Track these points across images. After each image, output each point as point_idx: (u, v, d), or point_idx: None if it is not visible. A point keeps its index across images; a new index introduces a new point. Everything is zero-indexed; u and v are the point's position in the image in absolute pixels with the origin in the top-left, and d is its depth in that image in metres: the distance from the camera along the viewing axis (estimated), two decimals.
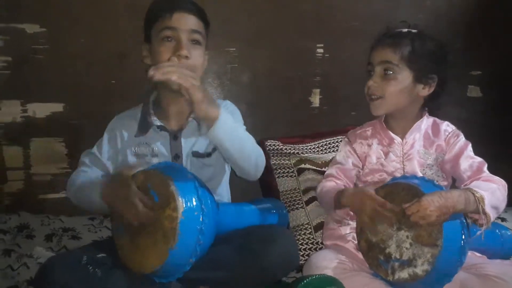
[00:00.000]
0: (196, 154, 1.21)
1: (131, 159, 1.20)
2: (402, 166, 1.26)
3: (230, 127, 1.06)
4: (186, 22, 1.14)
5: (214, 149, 1.22)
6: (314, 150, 1.62)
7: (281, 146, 1.60)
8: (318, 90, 1.80)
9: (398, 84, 1.20)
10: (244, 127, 1.24)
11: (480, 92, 1.93)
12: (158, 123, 1.20)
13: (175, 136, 1.21)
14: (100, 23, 1.57)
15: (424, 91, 1.22)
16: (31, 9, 1.52)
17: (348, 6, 1.77)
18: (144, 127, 1.21)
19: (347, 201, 1.18)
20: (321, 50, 1.78)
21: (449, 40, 1.30)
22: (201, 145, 1.22)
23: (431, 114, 1.31)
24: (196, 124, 1.21)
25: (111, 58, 1.60)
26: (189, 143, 1.21)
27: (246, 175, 1.17)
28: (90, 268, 0.98)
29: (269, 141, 1.61)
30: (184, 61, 1.12)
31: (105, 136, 1.24)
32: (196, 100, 1.00)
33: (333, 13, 1.77)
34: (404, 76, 1.20)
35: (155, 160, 1.19)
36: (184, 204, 0.97)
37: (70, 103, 1.60)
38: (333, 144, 1.64)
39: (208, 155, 1.22)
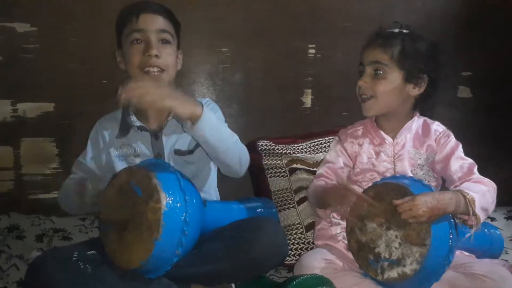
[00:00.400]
0: (178, 152, 1.23)
1: (116, 160, 1.22)
2: (393, 166, 1.26)
3: (214, 123, 1.07)
4: (153, 23, 1.17)
5: (197, 146, 1.23)
6: (306, 150, 1.63)
7: (273, 146, 1.60)
8: (310, 91, 1.80)
9: (388, 84, 1.21)
10: (226, 124, 1.25)
11: (470, 93, 1.95)
12: (138, 123, 1.22)
13: (156, 136, 1.22)
14: (92, 22, 1.56)
15: (415, 91, 1.23)
16: (21, 7, 1.51)
17: (340, 6, 1.78)
18: (124, 128, 1.23)
19: (331, 200, 1.18)
20: (313, 51, 1.78)
21: (440, 41, 1.31)
22: (183, 142, 1.24)
23: (424, 114, 1.32)
24: (176, 122, 1.22)
25: (103, 57, 1.58)
26: (171, 142, 1.23)
27: (230, 172, 1.19)
28: (81, 264, 0.99)
29: (261, 141, 1.61)
30: (155, 61, 1.15)
31: (89, 141, 1.27)
32: (172, 108, 1.01)
33: (326, 13, 1.77)
34: (394, 76, 1.21)
35: (137, 160, 1.21)
36: (166, 195, 0.98)
37: (61, 102, 1.59)
38: (324, 144, 1.64)
39: (190, 152, 1.24)
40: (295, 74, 1.79)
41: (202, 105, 1.05)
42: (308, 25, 1.76)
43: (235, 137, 1.17)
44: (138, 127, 1.22)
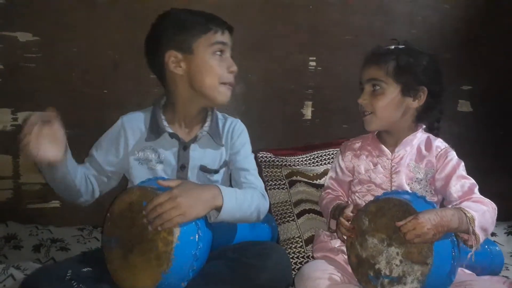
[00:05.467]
0: (203, 169, 1.21)
1: (133, 163, 1.19)
2: (389, 179, 1.26)
3: (234, 208, 1.08)
4: (230, 40, 1.21)
5: (222, 166, 1.23)
6: (305, 162, 1.63)
7: (273, 158, 1.60)
8: (310, 103, 1.81)
9: (386, 99, 1.23)
10: (250, 147, 1.28)
11: (470, 107, 1.95)
12: (170, 130, 1.19)
13: (185, 146, 1.19)
14: (93, 32, 1.57)
15: (414, 103, 1.25)
16: (24, 17, 1.52)
17: (341, 19, 1.79)
18: (156, 132, 1.19)
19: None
20: (313, 63, 1.79)
21: (440, 55, 1.32)
22: (210, 159, 1.22)
23: (431, 129, 1.32)
24: (209, 137, 1.22)
25: (104, 67, 1.59)
26: (197, 155, 1.20)
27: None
28: (74, 284, 0.96)
29: (261, 152, 1.61)
30: (232, 77, 1.21)
31: (110, 134, 1.22)
32: (199, 216, 1.01)
33: (327, 26, 1.78)
34: (392, 91, 1.23)
35: (159, 167, 1.18)
36: (180, 227, 0.95)
37: (61, 112, 1.58)
38: (324, 157, 1.64)
39: (216, 171, 1.23)
40: (295, 86, 1.79)
41: (221, 192, 1.05)
42: (309, 37, 1.77)
43: (256, 196, 1.16)
44: (170, 134, 1.18)
